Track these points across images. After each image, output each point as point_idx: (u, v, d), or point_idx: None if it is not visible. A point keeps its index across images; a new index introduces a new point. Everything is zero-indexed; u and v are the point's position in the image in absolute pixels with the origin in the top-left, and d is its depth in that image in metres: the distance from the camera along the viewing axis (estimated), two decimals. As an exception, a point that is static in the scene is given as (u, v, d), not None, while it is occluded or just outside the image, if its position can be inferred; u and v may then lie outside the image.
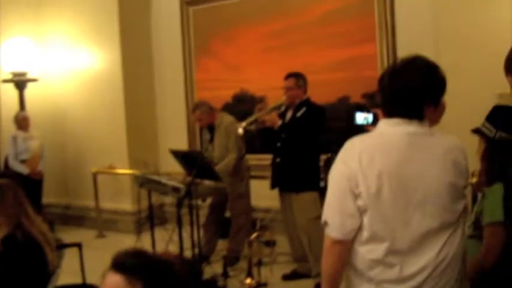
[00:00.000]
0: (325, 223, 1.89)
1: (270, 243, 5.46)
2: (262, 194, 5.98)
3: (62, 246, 3.33)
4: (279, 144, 4.66)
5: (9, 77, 7.11)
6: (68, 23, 7.37)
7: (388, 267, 1.83)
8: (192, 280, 1.69)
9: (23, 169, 6.52)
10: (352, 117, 2.64)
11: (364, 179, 1.80)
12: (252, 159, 6.26)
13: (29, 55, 7.25)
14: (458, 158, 1.91)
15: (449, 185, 1.85)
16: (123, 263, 1.45)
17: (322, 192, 4.91)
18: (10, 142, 6.63)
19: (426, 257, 1.83)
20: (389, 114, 1.90)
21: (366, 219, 1.83)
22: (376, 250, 1.83)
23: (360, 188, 1.81)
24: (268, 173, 5.67)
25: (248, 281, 4.65)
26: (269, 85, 6.44)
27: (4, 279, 2.79)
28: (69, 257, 3.48)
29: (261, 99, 6.51)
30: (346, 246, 1.89)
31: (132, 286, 1.43)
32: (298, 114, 4.65)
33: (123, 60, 6.92)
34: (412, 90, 1.85)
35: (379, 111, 2.22)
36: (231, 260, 5.21)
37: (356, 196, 1.82)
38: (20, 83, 7.15)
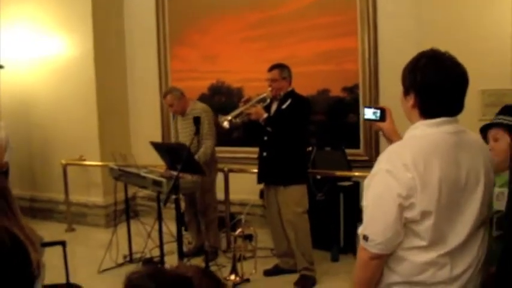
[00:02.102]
0: (365, 237, 1.81)
1: (247, 237, 5.39)
2: (239, 188, 5.92)
3: (44, 245, 3.14)
4: (265, 138, 4.56)
5: (-27, 63, 6.79)
6: (37, 6, 7.01)
7: (440, 268, 1.78)
8: None
9: (-12, 160, 6.23)
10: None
11: (424, 186, 1.71)
12: (228, 151, 6.19)
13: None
14: (488, 154, 1.90)
15: (490, 181, 1.85)
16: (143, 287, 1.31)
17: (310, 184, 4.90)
18: (-26, 132, 6.33)
19: (471, 255, 1.82)
20: (431, 113, 1.80)
21: (423, 227, 1.75)
22: (430, 252, 1.78)
23: (415, 198, 1.71)
24: (246, 167, 5.64)
25: (232, 277, 4.57)
26: (247, 76, 6.36)
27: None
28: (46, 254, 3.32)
29: (238, 91, 6.43)
30: (384, 260, 1.83)
31: None
32: (284, 106, 4.56)
33: (95, 47, 6.66)
34: (463, 84, 1.79)
35: (386, 107, 2.15)
36: (211, 255, 5.12)
37: (406, 208, 1.73)
38: (-15, 69, 6.85)
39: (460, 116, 1.85)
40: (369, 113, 2.15)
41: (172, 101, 5.26)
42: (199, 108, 5.25)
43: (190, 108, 5.28)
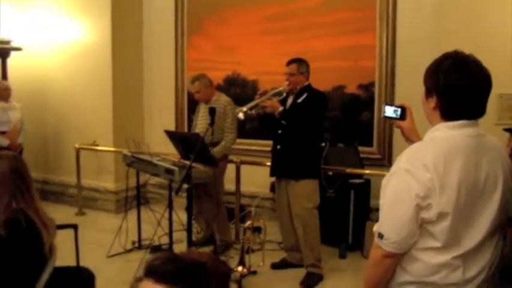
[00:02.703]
0: (380, 235, 1.81)
1: (256, 230, 5.40)
2: (250, 180, 5.93)
3: (57, 228, 3.17)
4: (279, 131, 4.56)
5: (-8, 44, 6.84)
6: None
7: (453, 270, 1.78)
8: (224, 278, 1.60)
9: (3, 141, 6.28)
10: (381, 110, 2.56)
11: (442, 188, 1.70)
12: (241, 143, 6.19)
13: (13, 22, 6.97)
14: (507, 159, 1.89)
15: (507, 187, 1.84)
16: (164, 272, 1.34)
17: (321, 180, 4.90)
18: (-11, 112, 6.39)
19: (485, 259, 1.82)
20: (452, 116, 1.79)
21: (438, 228, 1.75)
22: (444, 254, 1.77)
23: (433, 199, 1.71)
24: (257, 159, 5.64)
25: (240, 269, 4.58)
26: (262, 69, 6.36)
27: (4, 264, 2.66)
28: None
29: (253, 83, 6.43)
30: (398, 259, 1.83)
31: None
32: (299, 100, 4.55)
33: (113, 35, 6.68)
34: (486, 87, 1.78)
35: (407, 106, 2.14)
36: (220, 248, 5.13)
37: (423, 209, 1.73)
38: (3, 51, 6.88)
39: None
40: (389, 111, 2.14)
41: (200, 88, 5.22)
42: (224, 100, 5.21)
43: (215, 99, 5.24)
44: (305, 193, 4.53)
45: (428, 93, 1.84)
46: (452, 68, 1.77)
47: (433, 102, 1.82)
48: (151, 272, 1.33)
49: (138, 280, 1.36)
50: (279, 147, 4.62)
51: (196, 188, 5.28)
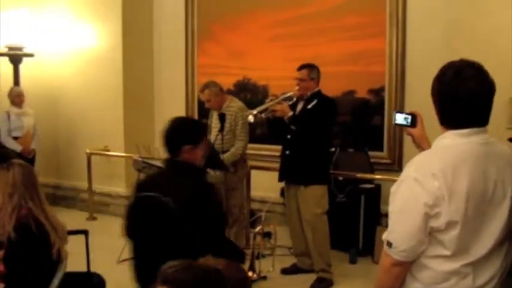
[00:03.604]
0: (389, 243, 1.81)
1: (266, 235, 5.40)
2: (261, 185, 5.93)
3: (67, 233, 3.20)
4: (289, 136, 4.56)
5: (4, 50, 6.90)
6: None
7: (462, 277, 1.77)
8: (241, 285, 1.60)
9: (16, 146, 6.36)
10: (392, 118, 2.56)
11: (451, 196, 1.70)
12: (251, 148, 6.19)
13: (24, 29, 7.04)
14: None
15: None
16: (182, 280, 1.34)
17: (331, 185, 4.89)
18: (3, 118, 6.45)
19: (495, 266, 1.81)
20: (459, 124, 1.79)
21: (448, 236, 1.74)
22: (454, 262, 1.77)
23: (441, 208, 1.71)
24: (268, 164, 5.64)
25: (250, 274, 4.58)
26: (273, 74, 6.36)
27: (14, 268, 2.70)
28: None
29: (264, 88, 6.44)
30: (407, 267, 1.83)
31: None
32: (309, 106, 4.56)
33: (124, 41, 6.74)
34: (487, 95, 1.77)
35: (418, 113, 2.14)
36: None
37: (431, 217, 1.73)
38: (15, 57, 6.95)
39: (490, 125, 1.84)
40: (400, 118, 2.14)
41: (210, 97, 5.11)
42: (235, 106, 5.12)
43: (226, 105, 5.14)
44: (314, 199, 4.53)
45: (433, 101, 1.86)
46: (449, 76, 1.78)
47: (435, 109, 1.85)
48: (168, 281, 1.32)
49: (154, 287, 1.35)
50: (287, 152, 4.62)
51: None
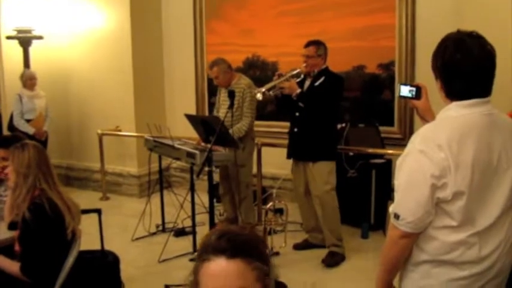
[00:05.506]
0: (396, 215, 1.83)
1: (278, 211, 5.44)
2: (272, 162, 5.94)
3: (81, 212, 3.25)
4: (297, 114, 4.56)
5: (13, 33, 6.92)
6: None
7: (469, 248, 1.79)
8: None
9: (29, 129, 6.41)
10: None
11: (457, 167, 1.71)
12: (262, 125, 6.20)
13: (34, 11, 7.04)
14: None
15: None
16: (235, 247, 1.30)
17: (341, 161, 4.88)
18: (16, 100, 6.49)
19: (500, 236, 1.82)
20: (463, 95, 1.79)
21: (454, 207, 1.76)
22: (460, 232, 1.79)
23: (447, 178, 1.72)
24: (279, 141, 5.64)
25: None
26: (282, 51, 6.35)
27: (30, 247, 2.75)
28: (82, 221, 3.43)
29: (273, 65, 6.42)
30: (414, 239, 1.85)
31: (253, 268, 1.31)
32: (317, 83, 4.54)
33: (132, 20, 6.72)
34: (491, 66, 1.77)
35: (422, 85, 2.13)
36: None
37: (438, 188, 1.74)
38: (25, 40, 6.97)
39: (497, 100, 1.83)
40: (404, 91, 2.13)
41: (218, 74, 5.16)
42: (243, 83, 5.16)
43: (234, 82, 5.19)
44: (323, 175, 4.55)
45: (435, 75, 1.87)
46: (449, 48, 1.78)
47: (438, 83, 1.85)
48: (220, 250, 1.30)
49: (203, 261, 1.31)
50: (296, 129, 4.63)
51: (224, 169, 5.31)
